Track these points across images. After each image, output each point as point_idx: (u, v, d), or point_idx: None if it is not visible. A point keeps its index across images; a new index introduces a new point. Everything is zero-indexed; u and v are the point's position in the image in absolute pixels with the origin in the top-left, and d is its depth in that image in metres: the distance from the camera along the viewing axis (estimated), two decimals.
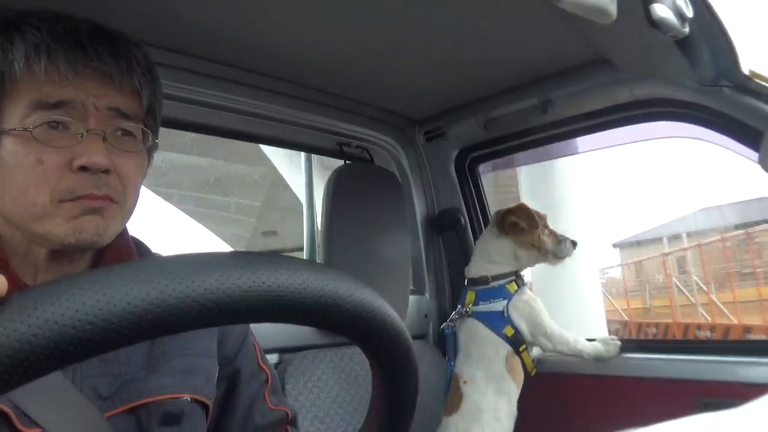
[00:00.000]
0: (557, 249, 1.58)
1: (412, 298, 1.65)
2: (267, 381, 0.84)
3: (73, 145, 0.65)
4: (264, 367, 0.84)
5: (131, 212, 0.73)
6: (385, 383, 0.45)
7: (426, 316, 1.75)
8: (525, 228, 1.57)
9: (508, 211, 1.60)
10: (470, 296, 1.58)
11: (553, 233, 1.61)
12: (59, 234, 0.64)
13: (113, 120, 0.68)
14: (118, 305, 0.29)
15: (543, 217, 1.62)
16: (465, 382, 1.49)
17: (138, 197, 0.74)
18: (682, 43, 1.05)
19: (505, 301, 1.53)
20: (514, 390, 1.48)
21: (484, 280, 1.58)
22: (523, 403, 1.51)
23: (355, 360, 1.46)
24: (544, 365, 1.60)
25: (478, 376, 1.49)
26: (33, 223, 0.65)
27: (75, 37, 0.66)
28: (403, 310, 1.57)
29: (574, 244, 1.60)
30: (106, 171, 0.66)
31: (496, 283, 1.57)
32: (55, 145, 0.64)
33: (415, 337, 1.65)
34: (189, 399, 0.71)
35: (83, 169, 0.64)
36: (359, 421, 0.47)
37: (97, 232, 0.66)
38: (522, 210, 1.59)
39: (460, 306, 1.59)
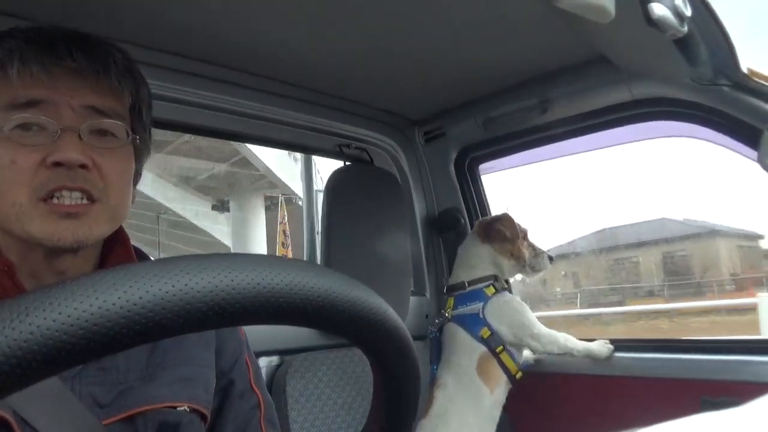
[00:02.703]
0: (534, 262, 1.64)
1: (412, 298, 1.65)
2: (260, 406, 0.82)
3: (48, 143, 0.65)
4: (257, 390, 0.82)
5: (120, 212, 0.72)
6: (385, 382, 0.45)
7: (427, 316, 1.75)
8: (507, 237, 1.60)
9: (495, 219, 1.65)
10: (449, 302, 1.62)
11: (532, 247, 1.65)
12: (39, 237, 0.64)
13: (90, 118, 0.68)
14: (111, 309, 0.29)
15: (524, 231, 1.66)
16: (438, 387, 1.50)
17: (128, 196, 0.73)
18: (681, 42, 1.06)
19: (481, 304, 1.55)
20: (487, 395, 1.47)
21: (461, 285, 1.61)
22: (523, 402, 1.51)
23: (356, 361, 1.46)
24: (545, 365, 1.60)
25: (449, 381, 1.50)
26: (14, 225, 0.65)
27: (48, 40, 0.66)
28: (404, 310, 1.57)
29: (550, 259, 1.66)
30: (84, 167, 0.65)
31: (472, 287, 1.59)
32: (30, 144, 0.64)
33: (415, 338, 1.64)
34: (187, 409, 0.70)
35: (58, 165, 0.64)
36: (360, 423, 0.47)
37: (76, 238, 0.65)
38: (507, 219, 1.63)
39: (442, 311, 1.62)
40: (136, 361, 0.69)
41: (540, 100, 1.51)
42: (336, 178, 1.51)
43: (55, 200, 0.64)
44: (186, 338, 0.73)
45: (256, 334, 0.87)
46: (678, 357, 1.41)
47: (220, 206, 15.36)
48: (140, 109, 0.75)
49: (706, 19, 1.04)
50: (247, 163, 13.50)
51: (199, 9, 1.09)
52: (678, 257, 19.22)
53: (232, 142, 12.04)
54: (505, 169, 1.84)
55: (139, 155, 0.77)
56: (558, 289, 16.59)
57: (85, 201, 0.66)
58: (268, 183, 14.70)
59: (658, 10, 0.92)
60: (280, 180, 14.17)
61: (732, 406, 0.31)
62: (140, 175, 0.80)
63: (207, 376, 0.75)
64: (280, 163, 14.18)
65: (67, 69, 0.66)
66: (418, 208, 1.80)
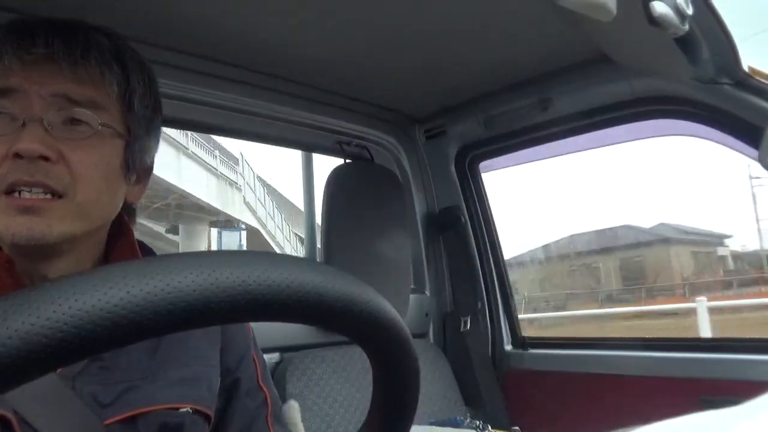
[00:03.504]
0: None
1: (412, 296, 1.65)
2: (266, 403, 0.80)
3: (13, 133, 0.63)
4: (264, 387, 0.81)
5: (92, 209, 0.68)
6: (384, 377, 0.44)
7: (426, 314, 1.75)
8: None
9: None
10: None
11: None
12: (1, 232, 0.63)
13: (59, 107, 0.65)
14: (91, 311, 0.28)
15: None
16: None
17: (102, 192, 0.68)
18: (682, 41, 1.06)
19: None
20: None
21: None
22: (523, 400, 1.51)
23: (356, 359, 1.46)
24: (544, 362, 1.60)
25: None
26: None
27: (30, 30, 0.65)
28: (404, 308, 1.57)
29: None
30: (47, 159, 0.63)
31: None
32: None
33: (415, 336, 1.65)
34: (190, 410, 0.69)
35: (19, 157, 0.62)
36: (360, 420, 0.46)
37: (31, 235, 0.62)
38: None
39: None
40: (138, 359, 0.68)
41: (541, 99, 1.51)
42: (336, 175, 1.51)
43: (15, 194, 0.62)
44: (190, 336, 0.72)
45: (255, 331, 0.87)
46: (678, 356, 1.41)
47: (173, 230, 19.78)
48: (131, 98, 0.71)
49: (707, 18, 1.04)
50: (185, 197, 16.32)
51: (198, 5, 1.08)
52: (633, 263, 21.71)
53: (168, 181, 14.48)
54: (506, 167, 1.84)
55: (133, 147, 0.72)
56: (525, 293, 17.90)
57: (47, 196, 0.63)
58: (211, 211, 17.76)
59: (660, 8, 0.92)
60: (217, 209, 17.05)
61: (732, 405, 0.31)
62: (149, 169, 0.77)
63: (211, 375, 0.74)
64: (221, 195, 17.19)
65: (40, 56, 0.64)
66: (419, 206, 1.80)
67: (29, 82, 0.64)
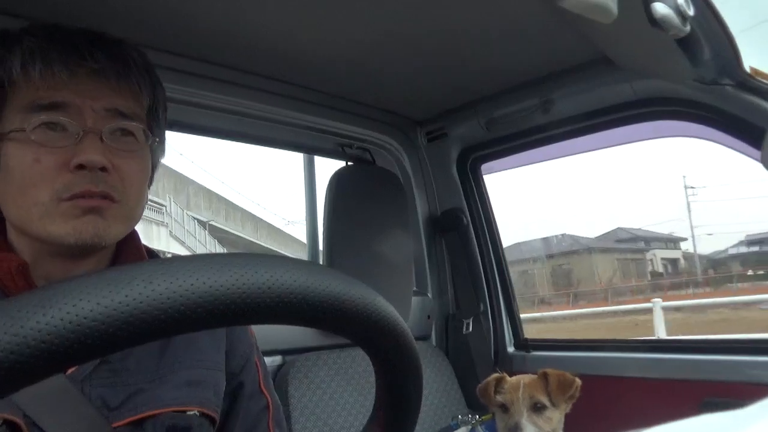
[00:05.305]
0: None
1: (414, 298, 1.65)
2: (268, 408, 0.82)
3: (70, 145, 0.65)
4: (265, 392, 0.82)
5: (136, 213, 0.73)
6: (386, 378, 0.44)
7: (429, 316, 1.75)
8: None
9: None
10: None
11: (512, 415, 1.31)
12: (59, 234, 0.64)
13: (111, 120, 0.68)
14: (59, 325, 0.27)
15: (510, 401, 1.32)
16: None
17: (143, 198, 0.74)
18: (684, 42, 1.05)
19: None
20: None
21: None
22: None
23: (358, 361, 1.46)
24: (547, 364, 1.59)
25: None
26: (34, 224, 0.65)
27: (70, 40, 0.67)
28: (407, 310, 1.57)
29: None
30: (104, 169, 0.66)
31: None
32: (53, 145, 0.65)
33: (417, 338, 1.65)
34: (197, 413, 0.70)
35: (81, 167, 0.64)
36: (362, 423, 0.46)
37: (96, 233, 0.66)
38: (483, 384, 1.41)
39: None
40: (146, 362, 0.69)
41: (542, 100, 1.51)
42: (338, 178, 1.51)
43: (78, 199, 0.65)
44: (197, 340, 0.74)
45: (258, 333, 0.87)
46: (680, 357, 1.40)
47: None
48: (157, 110, 0.76)
49: (708, 19, 1.04)
50: None
51: (200, 8, 1.09)
52: (562, 270, 24.45)
53: None
54: (508, 169, 1.84)
55: (155, 156, 0.77)
56: None
57: (107, 200, 0.67)
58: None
59: (661, 9, 0.92)
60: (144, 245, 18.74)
61: (735, 407, 0.31)
62: (153, 177, 0.80)
63: (217, 378, 0.75)
64: (147, 233, 18.14)
65: (89, 70, 0.67)
66: (421, 208, 1.80)
67: (81, 97, 0.67)
